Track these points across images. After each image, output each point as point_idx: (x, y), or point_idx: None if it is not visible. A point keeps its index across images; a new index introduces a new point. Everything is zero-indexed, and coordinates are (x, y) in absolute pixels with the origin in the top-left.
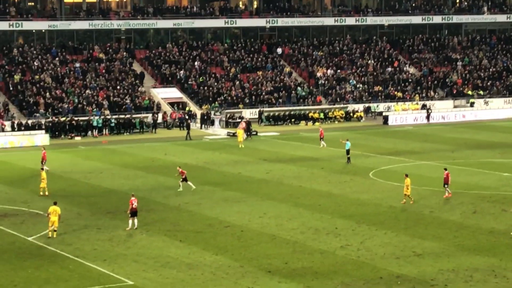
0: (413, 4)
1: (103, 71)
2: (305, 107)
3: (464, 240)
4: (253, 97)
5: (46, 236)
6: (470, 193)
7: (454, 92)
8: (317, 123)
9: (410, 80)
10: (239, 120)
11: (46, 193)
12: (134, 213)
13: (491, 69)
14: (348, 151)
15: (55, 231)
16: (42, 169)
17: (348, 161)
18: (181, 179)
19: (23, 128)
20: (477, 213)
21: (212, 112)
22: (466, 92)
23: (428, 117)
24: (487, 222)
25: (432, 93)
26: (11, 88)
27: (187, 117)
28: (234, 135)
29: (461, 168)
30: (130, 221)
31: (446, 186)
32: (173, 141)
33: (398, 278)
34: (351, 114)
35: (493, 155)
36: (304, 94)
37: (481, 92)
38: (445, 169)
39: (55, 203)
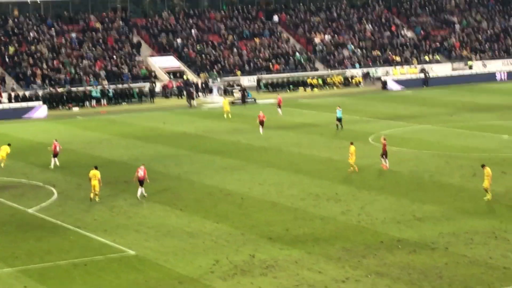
0: None
1: (100, 41)
2: (304, 73)
3: (464, 203)
4: (251, 64)
5: (89, 198)
6: (469, 156)
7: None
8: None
9: (408, 44)
10: (237, 87)
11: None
12: (140, 182)
13: (489, 31)
14: (339, 119)
15: (96, 194)
16: None
17: (339, 128)
18: (54, 154)
19: (20, 99)
20: (476, 176)
21: (210, 80)
22: (464, 55)
23: (426, 81)
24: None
25: (430, 56)
26: (7, 60)
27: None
28: (233, 103)
29: (460, 131)
30: (139, 190)
31: (384, 157)
32: (171, 110)
33: (399, 242)
34: (350, 80)
35: (492, 118)
36: (303, 60)
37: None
38: (384, 139)
39: (96, 168)
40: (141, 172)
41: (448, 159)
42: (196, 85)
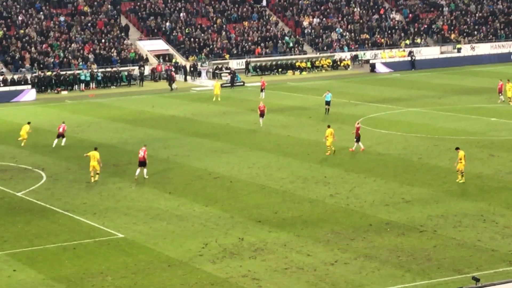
0: None
1: (89, 24)
2: (292, 57)
3: (453, 186)
4: (240, 47)
5: (89, 180)
6: (457, 139)
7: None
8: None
9: (396, 27)
10: (226, 70)
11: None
12: (140, 163)
13: (477, 14)
14: (328, 103)
15: (97, 174)
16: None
17: (326, 112)
18: (58, 135)
19: (8, 83)
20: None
21: (199, 64)
22: (453, 38)
23: (412, 64)
24: (475, 167)
25: (418, 39)
26: None
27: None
28: (222, 86)
29: (448, 114)
30: (138, 170)
31: (356, 141)
32: (160, 94)
33: (387, 225)
34: (338, 63)
35: (480, 101)
36: (292, 43)
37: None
38: (358, 123)
39: (95, 149)
40: (141, 153)
41: (436, 142)
42: (185, 68)
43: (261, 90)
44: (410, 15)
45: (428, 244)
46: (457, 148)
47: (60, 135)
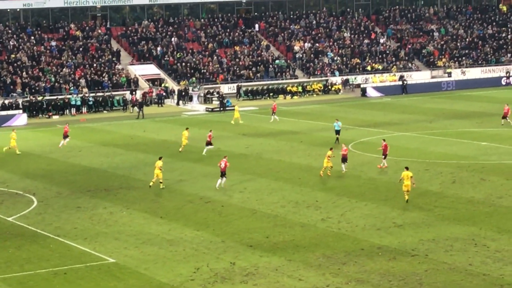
0: None
1: (80, 49)
2: (283, 81)
3: (444, 210)
4: (231, 72)
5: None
6: (448, 163)
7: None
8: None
9: (387, 52)
10: (216, 95)
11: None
12: (221, 173)
13: (467, 39)
14: (337, 132)
15: (161, 182)
16: None
17: (336, 142)
18: (206, 143)
19: None
20: (456, 183)
21: (190, 88)
22: (443, 63)
23: (404, 88)
24: (466, 192)
25: (409, 64)
26: None
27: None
28: (212, 110)
29: (439, 138)
30: (219, 181)
31: (384, 157)
32: (151, 118)
33: (379, 249)
34: (330, 87)
35: (471, 125)
36: (282, 65)
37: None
38: (384, 140)
39: (160, 158)
40: (222, 164)
41: (427, 166)
42: (179, 92)
43: (272, 113)
44: (398, 35)
45: (419, 268)
46: (406, 168)
47: (208, 143)
